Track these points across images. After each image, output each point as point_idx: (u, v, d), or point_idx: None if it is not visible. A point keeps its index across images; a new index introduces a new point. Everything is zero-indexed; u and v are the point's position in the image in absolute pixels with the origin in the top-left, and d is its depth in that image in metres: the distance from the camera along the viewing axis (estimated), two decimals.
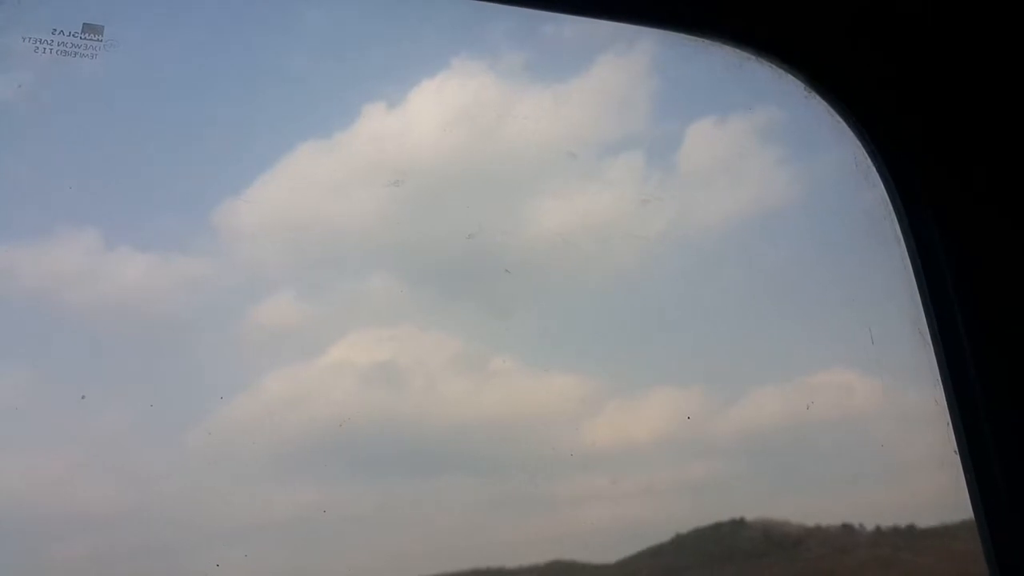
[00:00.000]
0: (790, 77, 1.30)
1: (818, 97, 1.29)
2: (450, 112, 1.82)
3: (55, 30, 1.29)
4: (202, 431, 1.45)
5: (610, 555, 1.55)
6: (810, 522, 1.62)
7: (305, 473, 1.59)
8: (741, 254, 1.62)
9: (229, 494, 1.49)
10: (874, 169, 1.26)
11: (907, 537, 1.60)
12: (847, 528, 1.63)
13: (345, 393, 1.69)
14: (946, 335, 1.19)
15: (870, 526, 1.60)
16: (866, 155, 1.27)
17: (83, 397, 1.32)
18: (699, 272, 1.67)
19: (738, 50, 1.31)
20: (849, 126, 1.27)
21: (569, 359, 1.67)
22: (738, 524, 1.64)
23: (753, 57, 1.31)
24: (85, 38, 1.35)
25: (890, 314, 1.28)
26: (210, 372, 1.58)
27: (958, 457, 1.19)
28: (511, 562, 1.51)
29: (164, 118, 1.62)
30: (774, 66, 1.30)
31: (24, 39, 1.28)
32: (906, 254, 1.24)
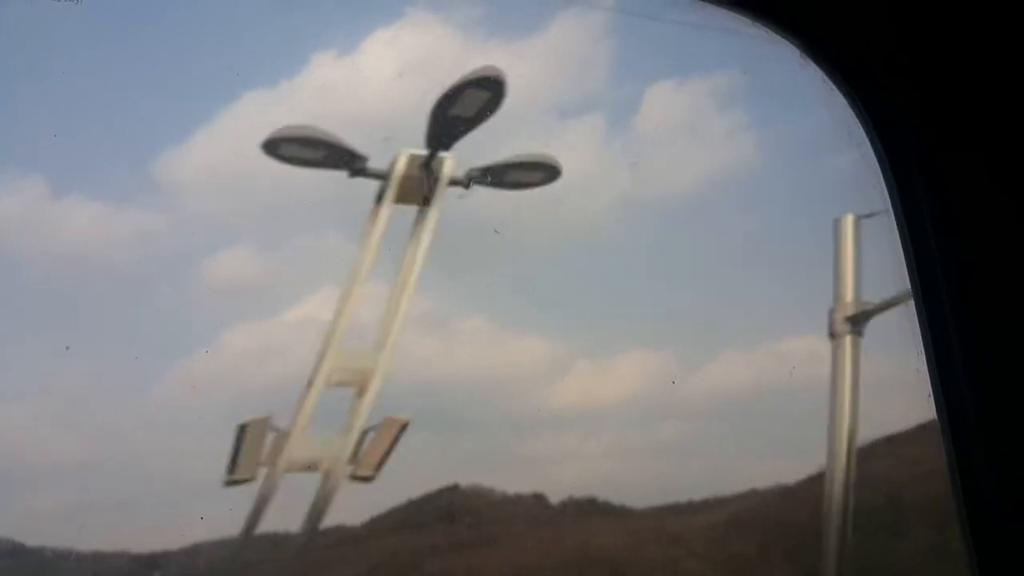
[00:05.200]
0: (784, 42, 1.30)
1: (811, 63, 1.29)
2: (405, 63, 1.77)
3: None
4: (173, 384, 1.41)
5: (362, 517, 1.57)
6: (526, 491, 1.63)
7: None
8: (721, 217, 1.63)
9: (206, 446, 1.46)
10: (865, 136, 1.27)
11: (584, 512, 1.59)
12: (537, 498, 1.63)
13: (311, 349, 1.66)
14: (929, 301, 1.21)
15: (560, 499, 1.60)
16: (857, 122, 1.28)
17: (67, 348, 1.26)
18: (677, 234, 1.68)
19: (734, 14, 1.31)
20: (842, 93, 1.28)
21: (538, 320, 1.66)
22: (451, 491, 1.67)
23: (749, 21, 1.31)
24: None
25: (874, 280, 1.29)
26: (175, 325, 1.53)
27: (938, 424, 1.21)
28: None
29: (116, 66, 1.56)
30: (769, 31, 1.30)
31: None
32: (893, 221, 1.25)
